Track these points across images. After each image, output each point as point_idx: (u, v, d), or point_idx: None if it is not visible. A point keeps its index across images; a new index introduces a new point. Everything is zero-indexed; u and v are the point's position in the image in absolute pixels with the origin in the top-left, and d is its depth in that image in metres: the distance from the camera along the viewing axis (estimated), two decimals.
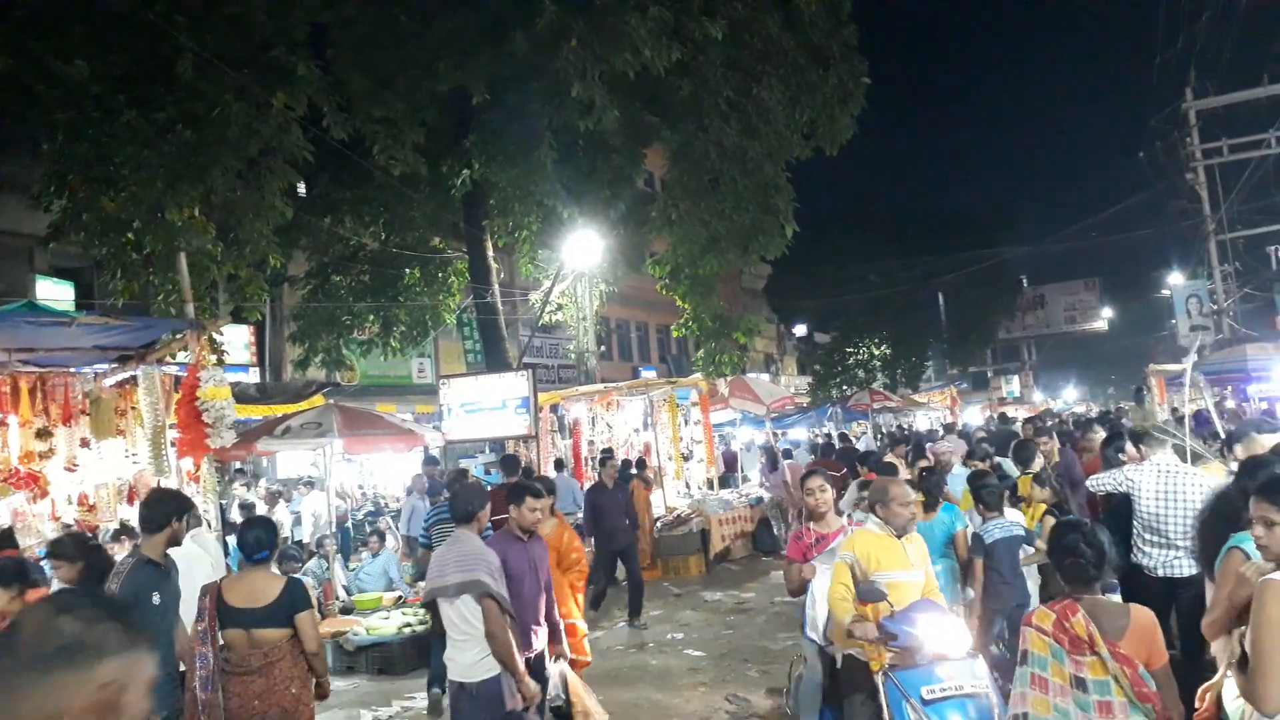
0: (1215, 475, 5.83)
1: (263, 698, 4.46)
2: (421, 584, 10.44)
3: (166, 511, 4.87)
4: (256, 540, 4.73)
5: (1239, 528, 3.67)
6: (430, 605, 4.99)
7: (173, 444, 6.89)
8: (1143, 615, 3.42)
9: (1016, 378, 52.64)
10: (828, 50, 15.34)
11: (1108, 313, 55.23)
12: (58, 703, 1.42)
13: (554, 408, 15.61)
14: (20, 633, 1.49)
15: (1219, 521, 3.95)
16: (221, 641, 4.58)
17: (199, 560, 5.82)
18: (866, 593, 4.50)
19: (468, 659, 4.71)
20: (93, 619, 1.52)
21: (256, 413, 12.14)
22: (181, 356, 7.33)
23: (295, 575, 6.62)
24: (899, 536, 4.79)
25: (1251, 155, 21.15)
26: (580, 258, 16.29)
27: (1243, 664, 2.97)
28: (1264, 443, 6.22)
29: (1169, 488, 6.05)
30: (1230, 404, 15.40)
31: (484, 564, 4.72)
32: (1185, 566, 5.66)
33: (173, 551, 4.95)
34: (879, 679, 4.38)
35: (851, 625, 4.52)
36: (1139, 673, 3.26)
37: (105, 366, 7.39)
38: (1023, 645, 3.49)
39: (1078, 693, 3.30)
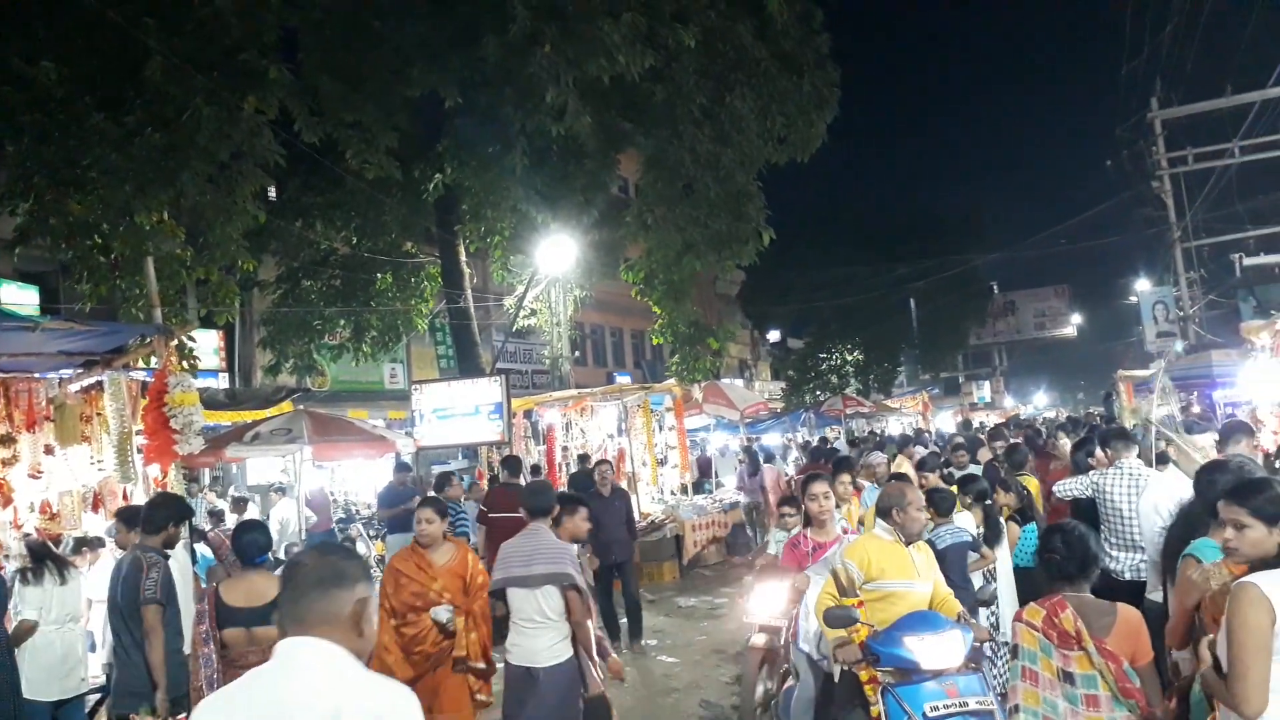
0: (1181, 478, 5.91)
1: None
2: None
3: (166, 515, 5.25)
4: (257, 545, 4.98)
5: (1197, 535, 3.73)
6: (495, 593, 5.16)
7: (140, 450, 6.81)
8: (1129, 614, 3.53)
9: (988, 383, 53.18)
10: (800, 58, 15.37)
11: (1077, 319, 56.03)
12: (337, 610, 2.08)
13: (528, 413, 15.56)
14: (302, 567, 2.15)
15: (1180, 529, 4.01)
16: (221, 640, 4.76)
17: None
18: (834, 618, 4.34)
19: (539, 645, 4.95)
20: (346, 556, 2.22)
21: (225, 418, 12.02)
22: (152, 362, 7.24)
23: None
24: (908, 544, 4.63)
25: (1215, 164, 21.44)
26: (554, 263, 16.25)
27: (1217, 669, 2.96)
28: (1196, 442, 6.35)
29: (1136, 491, 6.14)
30: (1196, 409, 15.61)
31: (569, 558, 5.03)
32: (1152, 570, 5.72)
33: None
34: (875, 695, 4.23)
35: (834, 650, 4.41)
36: (1123, 669, 3.37)
37: (70, 372, 7.27)
38: (1013, 640, 3.62)
39: (1065, 685, 3.43)
